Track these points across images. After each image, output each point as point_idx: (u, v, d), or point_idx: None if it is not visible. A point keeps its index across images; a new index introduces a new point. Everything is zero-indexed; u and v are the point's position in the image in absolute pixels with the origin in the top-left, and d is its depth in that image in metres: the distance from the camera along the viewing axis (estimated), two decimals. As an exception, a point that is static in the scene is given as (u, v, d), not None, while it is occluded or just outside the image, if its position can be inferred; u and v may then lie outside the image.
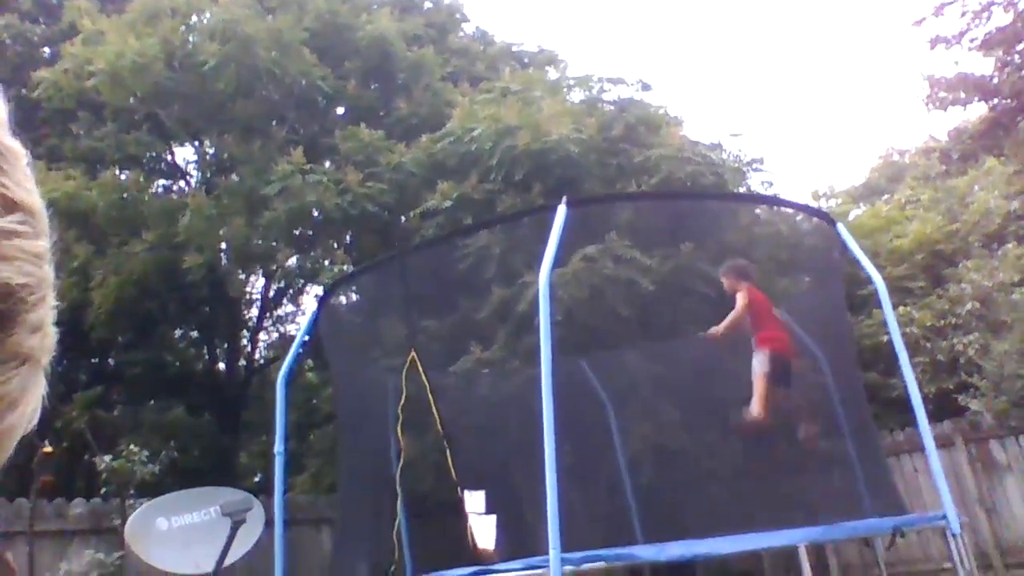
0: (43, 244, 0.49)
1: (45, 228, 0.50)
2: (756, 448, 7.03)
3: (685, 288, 7.91)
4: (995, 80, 9.91)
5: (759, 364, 5.20)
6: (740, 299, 5.25)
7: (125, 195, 10.05)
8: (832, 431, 6.27)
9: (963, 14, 9.81)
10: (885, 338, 6.46)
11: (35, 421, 0.50)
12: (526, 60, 13.21)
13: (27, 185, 0.49)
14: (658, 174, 8.28)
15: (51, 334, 0.49)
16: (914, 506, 6.85)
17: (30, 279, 0.46)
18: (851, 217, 11.57)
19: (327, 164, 9.97)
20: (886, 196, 15.75)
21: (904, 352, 5.23)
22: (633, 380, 7.60)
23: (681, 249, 7.91)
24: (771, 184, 10.10)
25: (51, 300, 0.49)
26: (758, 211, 9.26)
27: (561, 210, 4.63)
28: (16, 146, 0.50)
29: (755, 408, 5.15)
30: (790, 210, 9.11)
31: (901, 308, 8.37)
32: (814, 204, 14.15)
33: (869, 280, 5.52)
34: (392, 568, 5.57)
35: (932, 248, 9.87)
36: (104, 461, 6.64)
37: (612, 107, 9.59)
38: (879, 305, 5.87)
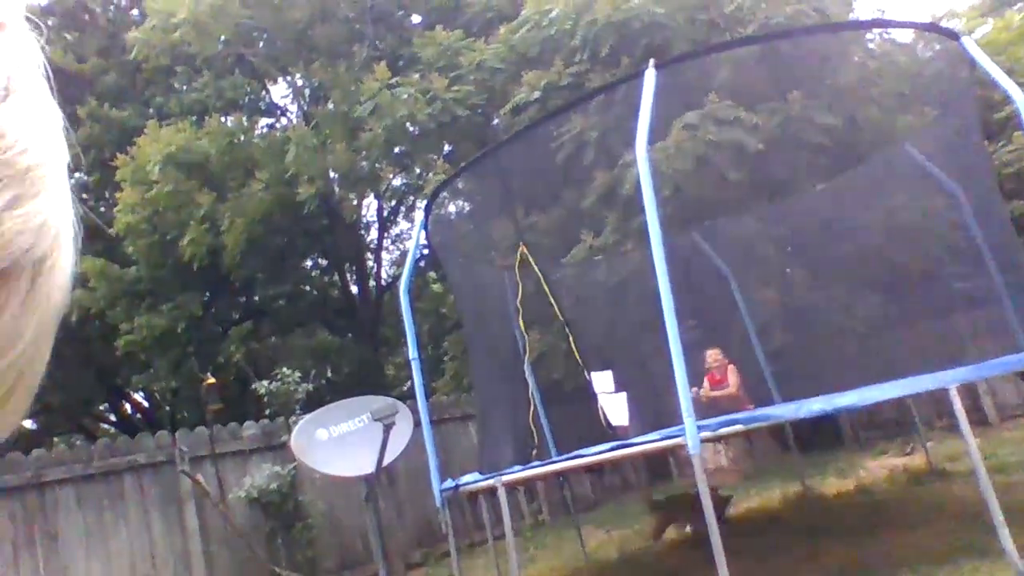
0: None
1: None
2: (895, 296, 6.74)
3: (797, 141, 7.48)
4: None
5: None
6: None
7: (233, 139, 10.50)
8: (976, 268, 5.88)
9: None
10: (1029, 160, 5.89)
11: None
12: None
13: None
14: (754, 21, 7.72)
15: (30, 227, 0.29)
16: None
17: None
18: (979, 35, 10.37)
19: (412, 76, 9.96)
20: (1019, 4, 13.94)
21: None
22: (752, 246, 7.37)
23: (788, 100, 7.44)
24: (882, 13, 9.17)
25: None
26: (872, 45, 8.49)
27: (650, 74, 4.42)
28: None
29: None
30: (906, 36, 8.29)
31: (1047, 124, 7.55)
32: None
33: (1008, 98, 4.98)
34: (534, 451, 5.85)
35: (1081, 52, 8.75)
36: (264, 386, 7.26)
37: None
38: (1020, 127, 5.33)
